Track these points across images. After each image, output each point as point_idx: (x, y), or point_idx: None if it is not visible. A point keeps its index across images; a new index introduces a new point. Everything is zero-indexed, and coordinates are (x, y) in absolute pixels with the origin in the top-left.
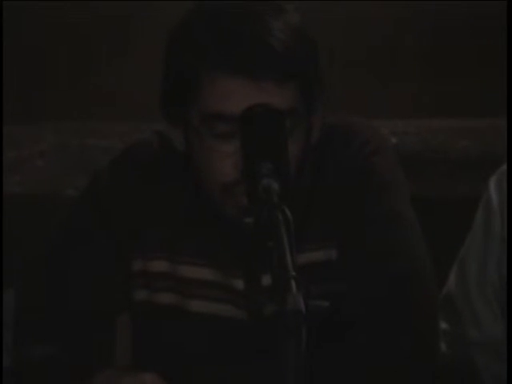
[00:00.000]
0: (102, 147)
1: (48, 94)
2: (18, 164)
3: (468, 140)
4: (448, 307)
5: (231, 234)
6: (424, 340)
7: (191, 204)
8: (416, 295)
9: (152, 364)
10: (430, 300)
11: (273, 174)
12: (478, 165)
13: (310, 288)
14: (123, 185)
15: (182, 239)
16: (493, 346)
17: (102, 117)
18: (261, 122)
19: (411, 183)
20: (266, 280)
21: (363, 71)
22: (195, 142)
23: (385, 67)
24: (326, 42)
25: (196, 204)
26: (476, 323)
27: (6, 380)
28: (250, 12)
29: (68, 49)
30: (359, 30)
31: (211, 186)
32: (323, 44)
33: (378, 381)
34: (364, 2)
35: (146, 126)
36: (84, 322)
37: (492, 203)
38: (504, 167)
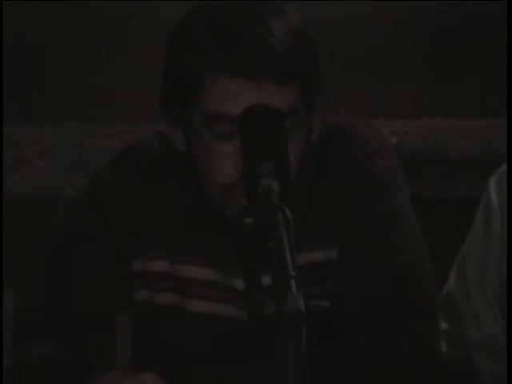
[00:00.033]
0: (102, 147)
1: (48, 94)
2: (18, 164)
3: (468, 140)
4: (448, 307)
5: (231, 234)
6: (424, 340)
7: (191, 204)
8: (416, 295)
9: (152, 364)
10: (430, 300)
11: (273, 174)
12: (477, 165)
13: (310, 288)
14: (123, 185)
15: (182, 239)
16: (493, 346)
17: (102, 117)
18: (261, 122)
19: (411, 183)
20: (266, 280)
21: (363, 71)
22: (195, 142)
23: (385, 67)
24: (326, 41)
25: (196, 204)
26: (476, 323)
27: (5, 380)
28: (250, 12)
29: (68, 49)
30: (359, 29)
31: (212, 187)
32: (323, 44)
33: (378, 381)
34: (364, 2)
35: (146, 126)
36: (84, 321)
37: (492, 203)
38: (504, 167)
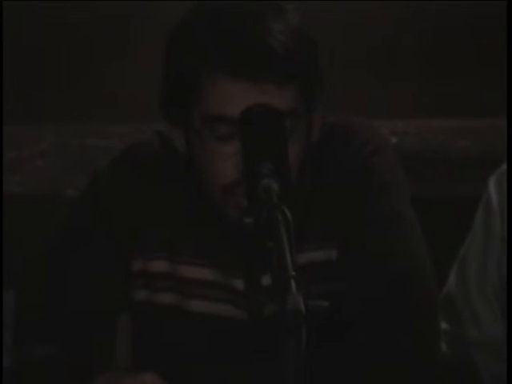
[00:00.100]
0: (102, 147)
1: (48, 94)
2: (18, 164)
3: (468, 140)
4: (448, 307)
5: (231, 234)
6: (424, 340)
7: (191, 204)
8: (416, 295)
9: (152, 364)
10: (430, 300)
11: (273, 174)
12: (477, 165)
13: (310, 288)
14: (123, 185)
15: (182, 239)
16: (493, 346)
17: (102, 117)
18: (260, 122)
19: (411, 183)
20: (266, 280)
21: (363, 71)
22: (196, 142)
23: (385, 67)
24: (326, 41)
25: (196, 204)
26: (476, 323)
27: (5, 380)
28: (250, 12)
29: (68, 49)
30: (359, 30)
31: (212, 187)
32: (323, 44)
33: (378, 381)
34: (364, 2)
35: (146, 127)
36: (84, 321)
37: (492, 203)
38: (504, 167)
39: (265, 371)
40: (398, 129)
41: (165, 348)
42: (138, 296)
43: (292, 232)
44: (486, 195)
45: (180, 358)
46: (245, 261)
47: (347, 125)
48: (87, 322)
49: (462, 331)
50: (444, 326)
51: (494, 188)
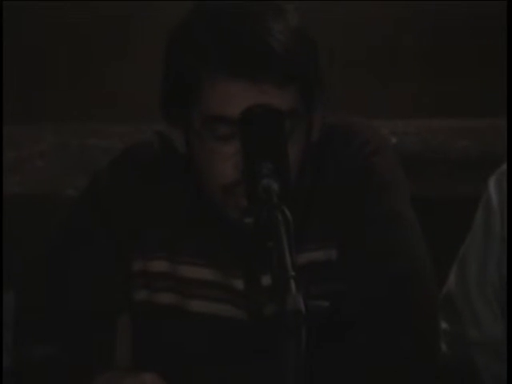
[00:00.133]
0: (102, 147)
1: (48, 94)
2: (18, 164)
3: (468, 140)
4: (448, 307)
5: (231, 234)
6: (424, 340)
7: (191, 204)
8: (416, 295)
9: (152, 364)
10: (430, 300)
11: (273, 174)
12: (477, 165)
13: (310, 288)
14: (123, 185)
15: (182, 239)
16: (493, 346)
17: (102, 117)
18: (260, 122)
19: (411, 183)
20: (266, 280)
21: (363, 71)
22: (196, 143)
23: (385, 67)
24: (326, 42)
25: (196, 204)
26: (476, 323)
27: (5, 380)
28: (250, 12)
29: (68, 49)
30: (359, 30)
31: (212, 188)
32: (323, 44)
33: (378, 381)
34: (364, 2)
35: (146, 127)
36: (84, 322)
37: (492, 203)
38: (504, 167)
39: (265, 371)
40: (398, 129)
41: (165, 348)
42: (138, 296)
43: (292, 232)
44: (486, 195)
45: (180, 358)
46: (245, 261)
47: (347, 125)
48: (87, 322)
49: (462, 331)
50: (444, 325)
51: (494, 188)
